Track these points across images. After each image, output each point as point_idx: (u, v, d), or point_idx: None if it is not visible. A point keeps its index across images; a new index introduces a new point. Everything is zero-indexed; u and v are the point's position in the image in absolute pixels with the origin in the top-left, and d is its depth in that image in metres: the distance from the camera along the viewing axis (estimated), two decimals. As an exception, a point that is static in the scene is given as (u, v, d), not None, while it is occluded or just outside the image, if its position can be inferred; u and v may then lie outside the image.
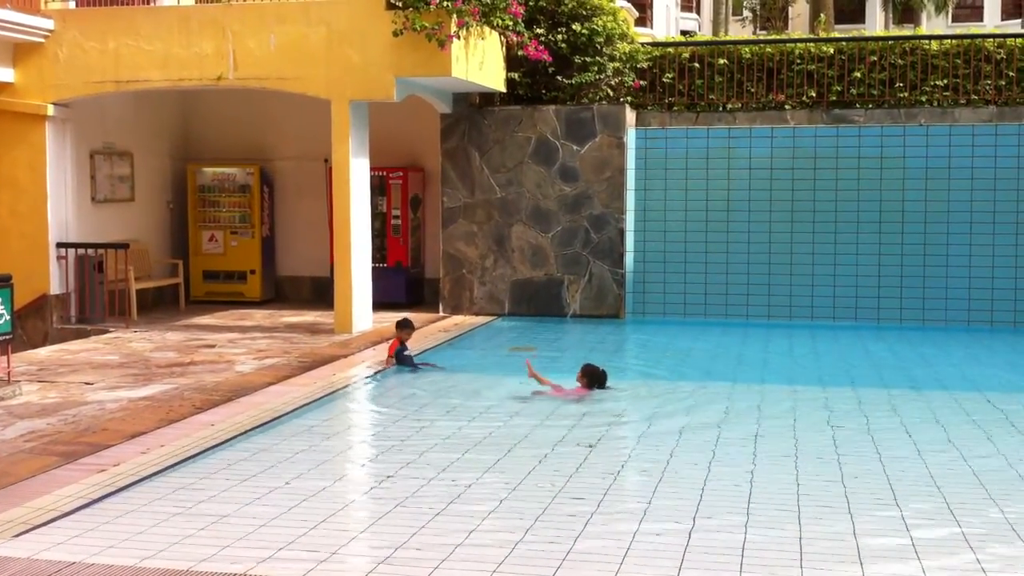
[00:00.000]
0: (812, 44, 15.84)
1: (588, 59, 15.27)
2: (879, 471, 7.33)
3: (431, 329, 14.07)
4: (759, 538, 5.87)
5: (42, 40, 13.90)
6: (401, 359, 11.22)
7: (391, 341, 11.54)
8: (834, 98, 15.23)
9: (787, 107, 15.29)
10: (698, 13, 52.89)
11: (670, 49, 16.08)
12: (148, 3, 15.40)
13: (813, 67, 15.36)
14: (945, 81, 15.03)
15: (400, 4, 12.95)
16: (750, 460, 7.66)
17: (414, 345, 11.82)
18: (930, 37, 15.69)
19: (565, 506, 6.48)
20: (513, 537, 5.87)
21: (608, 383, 10.04)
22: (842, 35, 19.88)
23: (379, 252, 15.81)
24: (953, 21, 47.99)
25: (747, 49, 15.79)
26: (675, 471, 7.37)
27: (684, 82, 15.70)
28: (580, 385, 9.91)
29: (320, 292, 16.78)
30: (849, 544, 5.78)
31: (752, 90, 15.51)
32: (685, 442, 8.24)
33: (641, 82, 15.77)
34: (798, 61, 15.43)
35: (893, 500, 6.64)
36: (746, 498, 6.64)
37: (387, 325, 13.74)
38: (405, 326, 11.47)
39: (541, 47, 14.66)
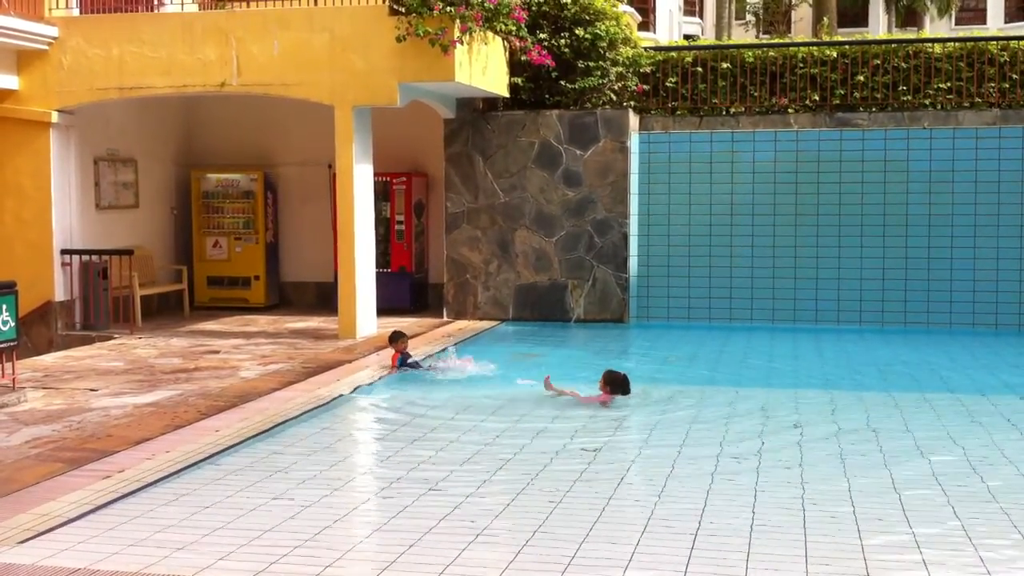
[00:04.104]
0: (815, 47, 15.84)
1: (591, 64, 15.27)
2: (884, 473, 7.34)
3: (435, 334, 14.07)
4: (764, 538, 5.87)
5: (46, 47, 13.93)
6: (405, 366, 11.23)
7: (391, 355, 11.50)
8: (837, 101, 15.23)
9: (790, 111, 15.29)
10: (701, 17, 52.88)
11: (673, 53, 16.09)
12: (152, 10, 15.46)
13: (816, 71, 15.36)
14: (949, 84, 15.02)
15: (403, 10, 12.96)
16: (754, 462, 7.66)
17: (420, 353, 11.83)
18: (933, 40, 15.69)
19: (569, 511, 6.48)
20: (517, 543, 5.86)
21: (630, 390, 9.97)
22: (845, 38, 19.86)
23: (383, 257, 15.81)
24: (956, 24, 47.91)
25: (750, 53, 15.80)
26: (679, 475, 7.36)
27: (687, 86, 15.70)
28: (603, 392, 9.85)
29: (324, 298, 16.79)
30: (856, 550, 5.79)
31: (755, 94, 15.51)
32: (690, 445, 8.24)
33: (644, 86, 15.77)
34: (801, 65, 15.43)
35: (903, 516, 6.64)
36: (751, 498, 6.65)
37: (391, 331, 13.73)
38: (398, 338, 11.48)
39: (544, 52, 14.67)
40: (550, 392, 10.07)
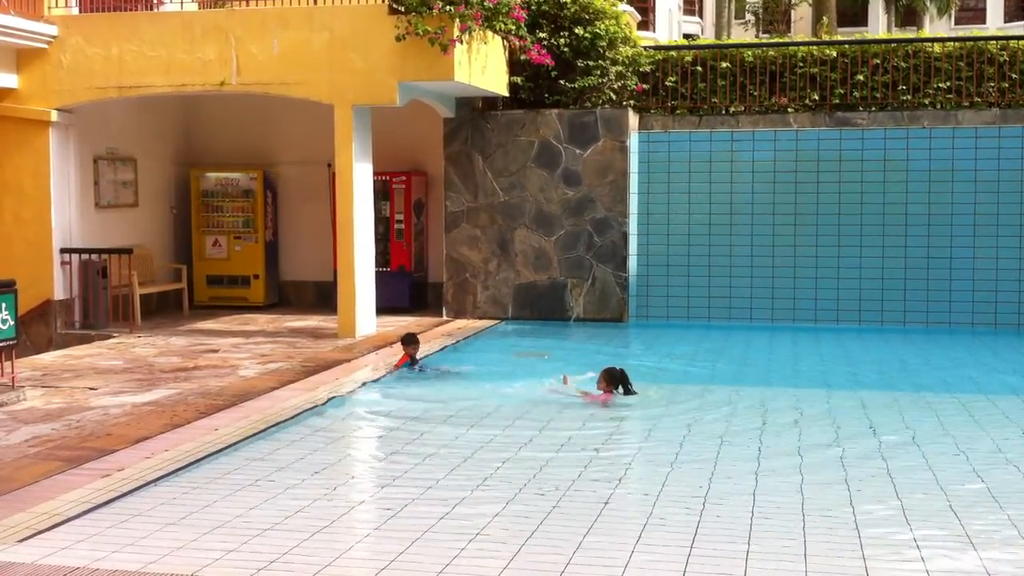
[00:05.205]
0: (815, 47, 15.83)
1: (591, 63, 15.27)
2: (883, 472, 7.35)
3: (435, 333, 14.07)
4: (763, 538, 5.88)
5: (45, 46, 13.93)
6: (411, 369, 11.23)
7: (400, 356, 11.49)
8: (837, 101, 15.23)
9: (790, 110, 15.29)
10: (701, 17, 52.85)
11: (673, 53, 16.08)
12: (151, 9, 15.45)
13: (816, 70, 15.35)
14: (948, 83, 15.02)
15: (403, 9, 12.96)
16: (753, 461, 7.67)
17: (419, 352, 11.83)
18: (933, 40, 15.69)
19: (567, 512, 6.47)
20: (515, 543, 5.86)
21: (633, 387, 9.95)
22: (845, 38, 19.85)
23: (382, 256, 15.81)
24: (956, 23, 47.89)
25: (750, 52, 15.80)
26: (679, 474, 7.37)
27: (687, 86, 15.70)
28: (603, 391, 9.83)
29: (323, 297, 16.79)
30: (853, 547, 5.79)
31: (755, 93, 15.51)
32: (689, 444, 8.25)
33: (644, 86, 15.76)
34: (801, 64, 15.42)
35: (897, 509, 6.64)
36: (750, 497, 6.65)
37: (391, 330, 13.77)
38: (411, 342, 11.45)
39: (544, 51, 14.66)
40: (560, 388, 10.04)
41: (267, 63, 13.55)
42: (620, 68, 15.62)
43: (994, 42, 15.33)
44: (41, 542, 5.81)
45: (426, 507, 6.54)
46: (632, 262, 15.32)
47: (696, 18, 52.04)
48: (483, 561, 5.56)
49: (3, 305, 9.76)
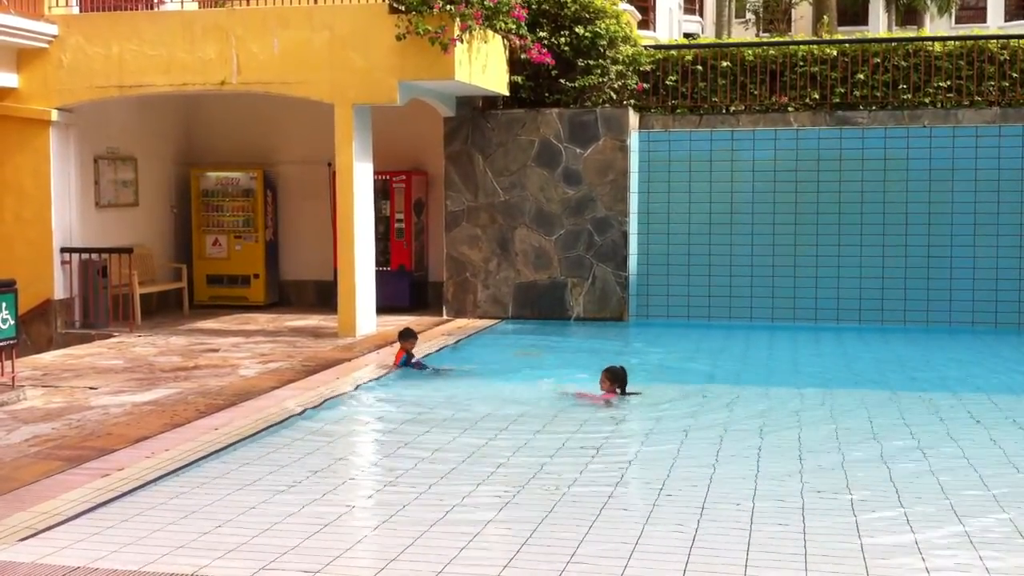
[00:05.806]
0: (815, 46, 15.83)
1: (591, 62, 15.27)
2: (883, 472, 7.35)
3: (434, 332, 14.07)
4: (763, 537, 5.87)
5: (46, 45, 13.93)
6: (408, 366, 11.22)
7: (396, 351, 11.51)
8: (837, 100, 15.22)
9: (790, 109, 15.29)
10: (701, 16, 52.81)
11: (673, 52, 16.08)
12: (151, 8, 15.45)
13: (816, 69, 15.35)
14: (948, 82, 15.02)
15: (403, 8, 12.96)
16: (753, 462, 7.66)
17: (420, 351, 11.84)
18: (933, 39, 15.69)
19: (566, 513, 6.47)
20: (514, 544, 5.86)
21: (630, 387, 9.94)
22: (845, 37, 19.85)
23: (383, 256, 15.81)
24: (956, 22, 47.85)
25: (750, 51, 15.80)
26: (679, 475, 7.36)
27: (687, 85, 15.69)
28: (605, 391, 9.82)
29: (324, 296, 16.79)
30: (852, 540, 5.79)
31: (755, 92, 15.51)
32: (689, 445, 8.24)
33: (644, 85, 15.77)
34: (801, 63, 15.42)
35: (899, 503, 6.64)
36: (751, 497, 6.65)
37: (391, 329, 13.76)
38: (408, 336, 11.45)
39: (544, 50, 14.66)
40: (563, 390, 10.05)
41: (267, 62, 13.55)
42: (620, 67, 15.61)
43: (995, 41, 15.33)
44: (41, 541, 5.81)
45: (425, 508, 6.54)
46: (632, 261, 15.32)
47: (696, 17, 52.00)
48: (482, 562, 5.55)
49: (3, 304, 9.76)
